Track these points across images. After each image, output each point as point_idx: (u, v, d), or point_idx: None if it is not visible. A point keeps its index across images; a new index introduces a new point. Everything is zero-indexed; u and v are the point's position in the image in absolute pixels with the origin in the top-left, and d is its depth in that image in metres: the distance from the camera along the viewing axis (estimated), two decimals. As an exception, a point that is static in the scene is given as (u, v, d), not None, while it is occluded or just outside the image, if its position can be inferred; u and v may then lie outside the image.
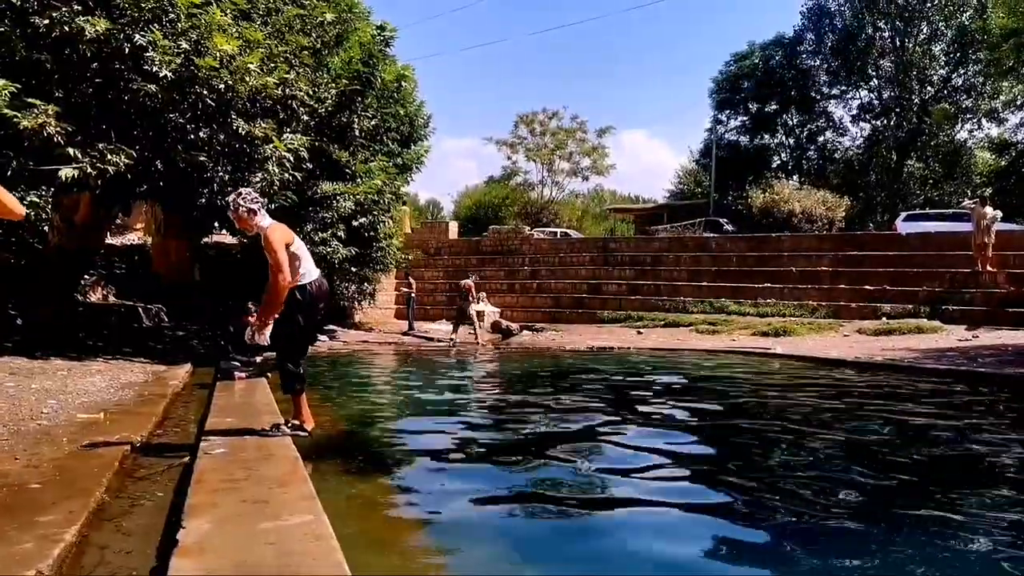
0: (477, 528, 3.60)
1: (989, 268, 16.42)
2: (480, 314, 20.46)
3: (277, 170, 9.60)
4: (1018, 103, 32.56)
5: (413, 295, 20.46)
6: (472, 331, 17.02)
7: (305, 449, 4.48)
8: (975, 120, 34.94)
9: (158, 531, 3.20)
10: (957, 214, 21.43)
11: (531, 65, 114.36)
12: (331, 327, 17.59)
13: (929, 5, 34.22)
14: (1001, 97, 33.06)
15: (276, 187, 9.91)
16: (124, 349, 10.68)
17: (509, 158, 42.81)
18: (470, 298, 17.37)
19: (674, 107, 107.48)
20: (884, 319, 16.09)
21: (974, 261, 16.67)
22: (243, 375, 8.02)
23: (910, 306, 16.50)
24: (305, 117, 10.52)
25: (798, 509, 3.83)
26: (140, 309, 14.40)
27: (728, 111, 41.61)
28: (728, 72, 40.76)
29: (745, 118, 41.07)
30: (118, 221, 17.45)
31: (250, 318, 10.79)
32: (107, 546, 3.03)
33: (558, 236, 29.50)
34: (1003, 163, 33.60)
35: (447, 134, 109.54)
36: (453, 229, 29.00)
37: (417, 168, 16.73)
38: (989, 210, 16.38)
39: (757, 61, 39.52)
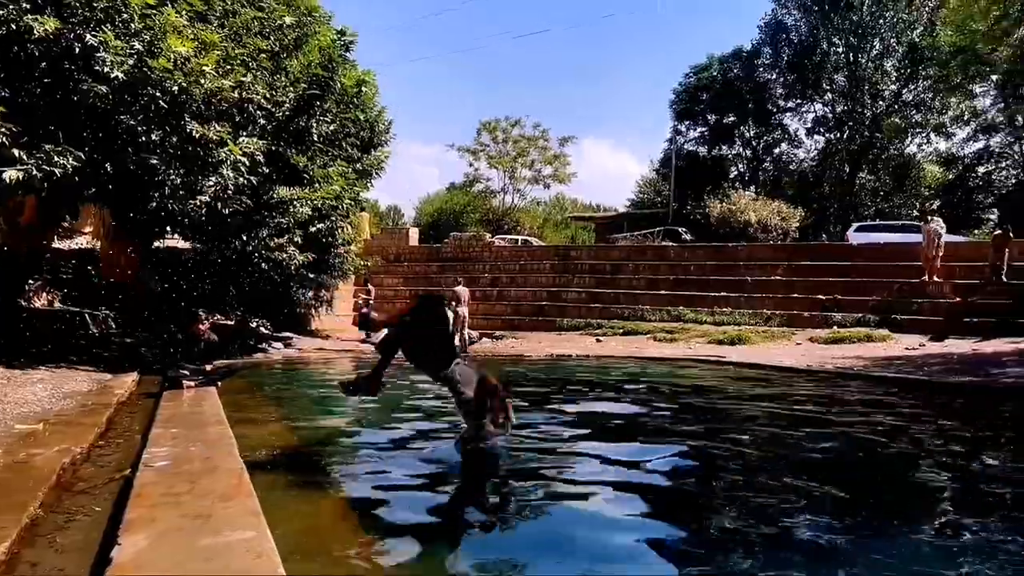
0: (427, 540, 3.56)
1: (936, 279, 16.93)
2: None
3: (232, 174, 9.43)
4: (965, 119, 33.77)
5: (372, 302, 20.21)
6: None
7: (253, 462, 4.39)
8: (924, 134, 36.15)
9: (94, 548, 3.09)
10: (907, 225, 22.08)
11: (496, 74, 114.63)
12: (287, 334, 17.32)
13: (881, 22, 35.30)
14: (949, 112, 34.26)
15: (231, 191, 9.74)
16: (69, 357, 10.35)
17: (471, 165, 42.93)
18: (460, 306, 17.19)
19: (637, 117, 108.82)
20: (835, 328, 16.47)
21: (922, 272, 17.18)
22: (192, 384, 7.84)
23: (860, 315, 16.92)
24: (262, 121, 10.37)
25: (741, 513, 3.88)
26: (87, 315, 13.99)
27: (688, 122, 42.32)
28: (688, 84, 41.46)
29: (704, 129, 41.81)
30: (65, 224, 16.94)
31: (201, 326, 10.63)
32: (39, 563, 2.93)
33: (520, 244, 29.56)
34: (950, 176, 34.78)
35: (410, 140, 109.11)
36: (414, 236, 28.88)
37: (377, 174, 16.60)
38: (936, 223, 16.93)
39: (716, 73, 40.26)
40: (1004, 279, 15.87)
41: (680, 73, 54.08)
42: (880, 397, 8.74)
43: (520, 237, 33.57)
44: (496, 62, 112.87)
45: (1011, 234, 16.37)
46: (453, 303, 17.21)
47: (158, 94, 8.50)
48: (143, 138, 8.99)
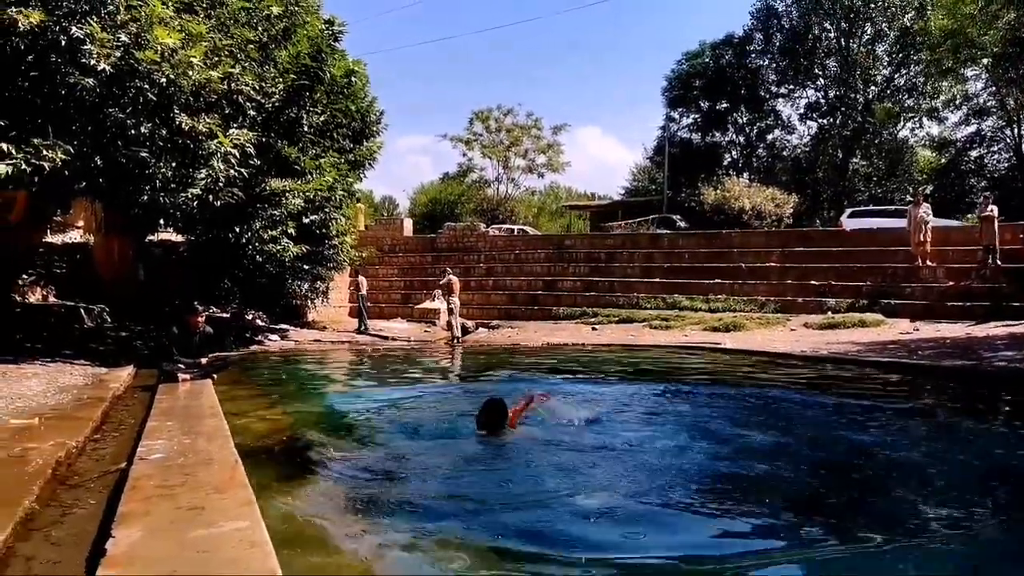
0: (424, 528, 3.58)
1: (928, 263, 16.97)
2: (437, 311, 20.39)
3: (222, 166, 9.39)
4: (956, 103, 33.72)
5: (363, 293, 20.02)
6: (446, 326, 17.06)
7: (249, 453, 4.40)
8: (916, 119, 36.07)
9: (89, 540, 3.10)
10: (899, 211, 22.10)
11: (487, 62, 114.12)
12: (283, 326, 17.31)
13: (873, 7, 35.18)
14: (941, 97, 34.18)
15: (221, 184, 9.70)
16: (64, 351, 10.33)
17: (464, 155, 42.79)
18: (451, 294, 17.20)
19: (630, 104, 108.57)
20: (829, 313, 16.51)
21: (913, 257, 17.22)
22: (187, 377, 7.83)
23: (854, 300, 16.96)
24: (252, 112, 10.31)
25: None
26: (81, 309, 13.94)
27: (680, 109, 42.20)
28: (680, 70, 41.32)
29: (697, 116, 41.71)
30: (58, 219, 16.85)
31: (199, 318, 10.60)
32: (34, 557, 2.93)
33: (515, 233, 29.53)
34: (943, 161, 34.79)
35: (403, 130, 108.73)
36: (408, 226, 28.81)
37: (370, 165, 16.53)
38: (923, 208, 16.95)
39: (708, 60, 40.14)
40: (998, 263, 15.91)
41: (672, 60, 53.81)
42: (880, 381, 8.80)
43: (516, 227, 33.54)
44: (485, 52, 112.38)
45: (996, 212, 16.33)
46: (446, 293, 17.27)
47: (146, 86, 8.45)
48: (132, 131, 8.93)
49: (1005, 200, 24.59)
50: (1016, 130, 31.92)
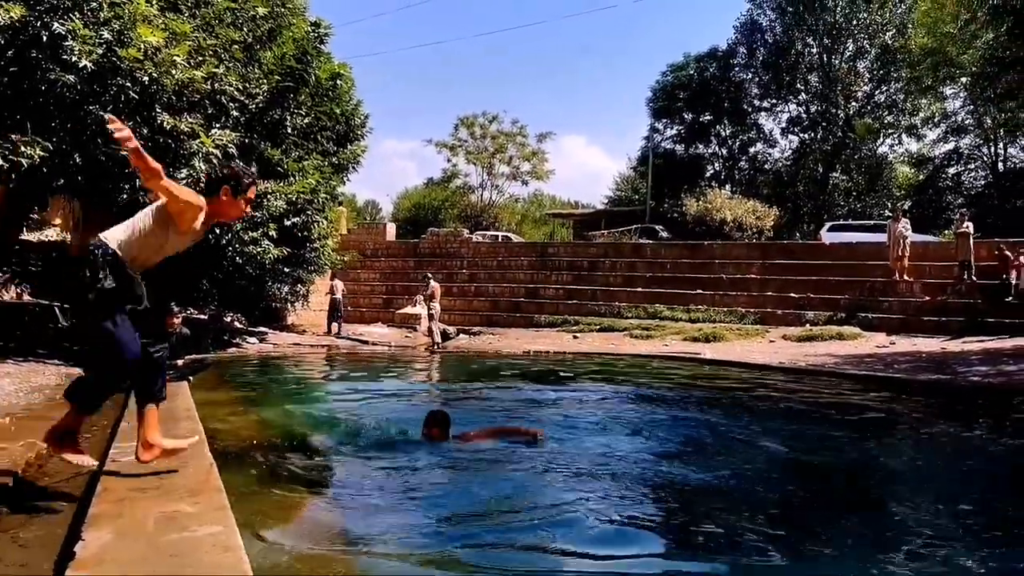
0: (396, 536, 3.56)
1: (906, 278, 17.20)
2: (418, 317, 20.34)
3: (204, 167, 9.30)
4: (935, 120, 34.30)
5: (337, 297, 19.79)
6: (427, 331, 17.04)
7: (225, 456, 4.35)
8: (896, 135, 36.62)
9: (58, 543, 3.04)
10: (878, 225, 22.39)
11: (473, 69, 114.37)
12: (262, 329, 17.17)
13: (855, 23, 35.69)
14: (920, 114, 34.75)
15: (202, 184, 9.60)
16: (37, 350, 10.16)
17: (449, 160, 42.76)
18: (432, 300, 17.19)
19: (616, 114, 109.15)
20: (808, 326, 16.67)
21: (891, 271, 17.44)
22: (164, 378, 7.72)
23: (832, 313, 17.14)
24: (235, 113, 10.24)
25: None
26: (56, 308, 13.74)
27: (665, 120, 42.46)
28: (665, 82, 41.59)
29: (681, 127, 41.98)
30: (34, 216, 16.61)
31: (175, 319, 10.49)
32: (1, 558, 2.87)
33: (500, 240, 29.55)
34: (921, 177, 35.31)
35: (388, 135, 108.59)
36: (391, 231, 28.75)
37: (353, 168, 16.46)
38: (902, 223, 17.19)
39: (692, 72, 40.44)
40: (973, 279, 16.16)
41: (657, 71, 54.06)
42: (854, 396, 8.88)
43: (500, 233, 33.57)
44: (470, 58, 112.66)
45: (972, 228, 16.61)
46: (427, 300, 17.25)
47: (128, 84, 8.37)
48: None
49: (981, 217, 25.02)
50: (993, 148, 32.51)
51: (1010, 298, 14.72)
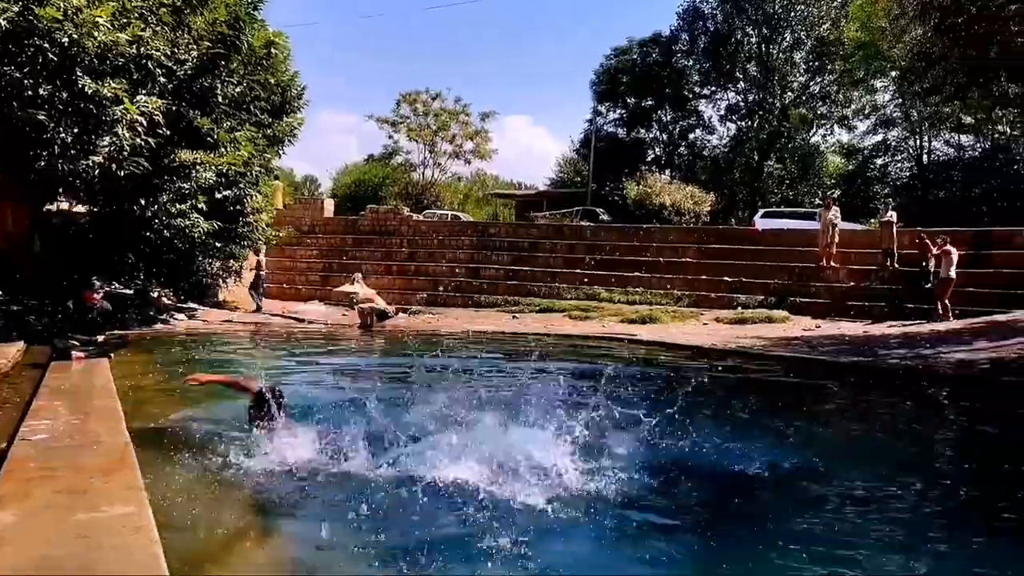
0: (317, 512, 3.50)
1: (833, 264, 17.82)
2: (355, 295, 20.04)
3: (128, 134, 8.92)
4: (865, 112, 35.55)
5: (261, 273, 19.17)
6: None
7: (143, 435, 4.20)
8: (828, 126, 37.79)
9: (-44, 526, 2.88)
10: (809, 213, 23.09)
11: (417, 44, 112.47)
12: (192, 305, 16.63)
13: (793, 15, 36.49)
14: (851, 106, 35.98)
15: (126, 152, 9.20)
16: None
17: (390, 137, 42.07)
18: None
19: (561, 95, 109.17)
20: (740, 309, 17.11)
21: (819, 257, 18.04)
22: (82, 355, 7.42)
23: (763, 297, 17.64)
24: (162, 79, 9.83)
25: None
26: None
27: (608, 103, 42.68)
28: (609, 65, 41.76)
29: (623, 111, 42.29)
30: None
31: (95, 294, 10.04)
32: None
33: (449, 219, 29.29)
34: (850, 167, 36.57)
35: (327, 107, 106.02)
36: (329, 207, 28.18)
37: (290, 141, 16.04)
38: (832, 212, 17.79)
39: (636, 57, 40.71)
40: (896, 266, 16.84)
41: (601, 54, 54.25)
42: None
43: (450, 212, 33.24)
44: (413, 31, 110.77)
45: (896, 217, 17.31)
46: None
47: (46, 45, 7.94)
48: (29, 92, 8.37)
49: (906, 207, 26.07)
50: (918, 141, 33.88)
51: (928, 284, 15.40)
